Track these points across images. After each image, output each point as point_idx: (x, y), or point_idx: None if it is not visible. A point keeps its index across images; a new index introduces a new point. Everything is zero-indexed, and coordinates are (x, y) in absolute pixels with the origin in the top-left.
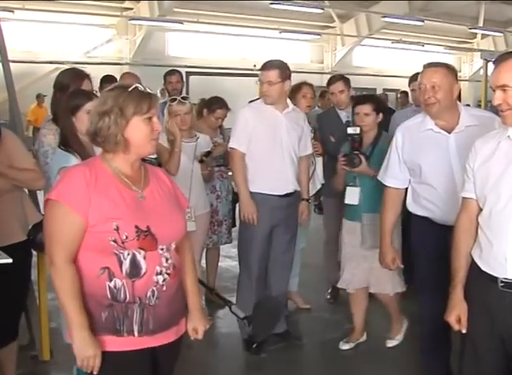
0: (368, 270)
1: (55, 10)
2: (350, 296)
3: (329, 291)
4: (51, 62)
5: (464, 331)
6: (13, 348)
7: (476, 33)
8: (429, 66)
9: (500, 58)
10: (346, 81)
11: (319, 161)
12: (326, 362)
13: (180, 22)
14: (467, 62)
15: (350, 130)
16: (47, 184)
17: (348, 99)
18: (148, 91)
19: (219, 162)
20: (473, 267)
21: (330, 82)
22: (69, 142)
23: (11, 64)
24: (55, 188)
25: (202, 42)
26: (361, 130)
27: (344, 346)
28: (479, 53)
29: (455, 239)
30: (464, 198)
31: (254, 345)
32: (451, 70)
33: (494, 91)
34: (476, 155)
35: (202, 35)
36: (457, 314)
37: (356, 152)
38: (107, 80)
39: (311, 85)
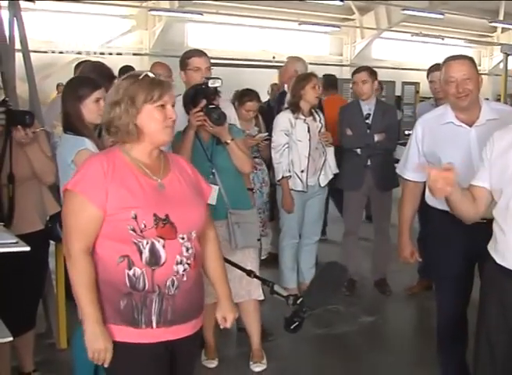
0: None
1: (75, 0)
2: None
3: (345, 283)
4: (71, 53)
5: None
6: (30, 336)
7: (496, 27)
8: (454, 58)
9: None
10: (372, 72)
11: (330, 150)
12: (341, 354)
13: (200, 13)
14: (486, 55)
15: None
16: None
17: (371, 91)
18: (160, 78)
19: (253, 154)
20: (489, 260)
21: (355, 71)
22: (77, 128)
23: (31, 54)
24: (73, 178)
25: (222, 33)
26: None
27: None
28: (499, 47)
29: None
30: (471, 185)
31: (294, 325)
32: (474, 62)
33: None
34: (493, 146)
35: (222, 26)
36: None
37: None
38: (126, 70)
39: (317, 76)
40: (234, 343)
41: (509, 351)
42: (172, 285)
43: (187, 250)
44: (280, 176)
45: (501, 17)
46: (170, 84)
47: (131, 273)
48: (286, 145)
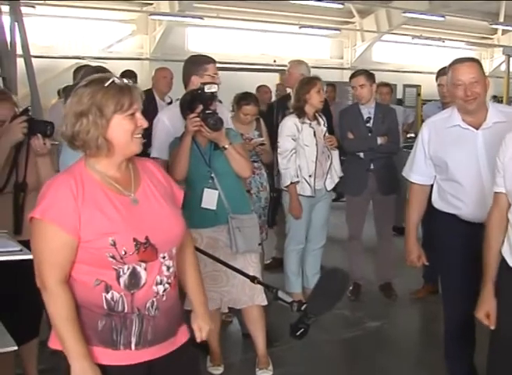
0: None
1: (75, 5)
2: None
3: (351, 288)
4: (71, 58)
5: (492, 327)
6: (34, 344)
7: (497, 29)
8: (461, 61)
9: None
10: (369, 76)
11: (335, 154)
12: (347, 360)
13: (200, 17)
14: (487, 57)
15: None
16: None
17: (370, 94)
18: (128, 83)
19: (252, 158)
20: (502, 263)
21: (352, 76)
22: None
23: (32, 59)
24: (40, 205)
25: (222, 37)
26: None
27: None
28: (500, 49)
29: (486, 234)
30: (495, 192)
31: (300, 331)
32: (481, 65)
33: None
34: (507, 149)
35: (222, 30)
36: (487, 310)
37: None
38: (127, 74)
39: (321, 80)
40: (239, 349)
41: None
42: (152, 306)
43: (168, 269)
44: (288, 182)
45: (501, 19)
46: (139, 90)
47: (109, 296)
48: (294, 150)
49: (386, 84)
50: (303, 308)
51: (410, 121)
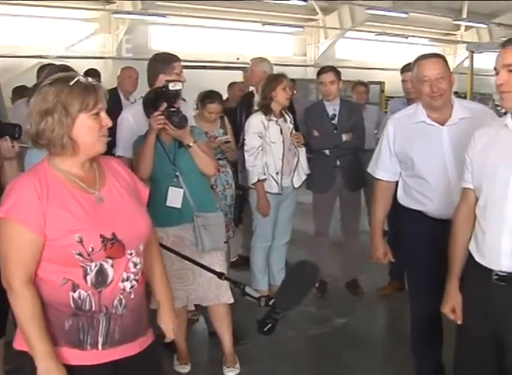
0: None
1: (38, 4)
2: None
3: (317, 285)
4: (34, 57)
5: (459, 322)
6: (1, 344)
7: (460, 25)
8: (427, 57)
9: (508, 41)
10: (337, 73)
11: (302, 151)
12: (314, 357)
13: (163, 15)
14: (450, 54)
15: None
16: None
17: (337, 91)
18: (93, 82)
19: (217, 156)
20: (469, 259)
21: (321, 72)
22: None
23: None
24: (5, 205)
25: (185, 35)
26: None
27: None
28: (463, 45)
29: (453, 230)
30: (463, 188)
31: (268, 327)
32: (446, 61)
33: (497, 73)
34: (475, 145)
35: (185, 28)
36: (452, 305)
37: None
38: (90, 73)
39: (287, 77)
40: (206, 347)
41: (491, 351)
42: (120, 304)
43: (135, 265)
44: (256, 180)
45: (464, 15)
46: (103, 89)
47: (76, 295)
48: (260, 148)
49: (363, 83)
50: (270, 303)
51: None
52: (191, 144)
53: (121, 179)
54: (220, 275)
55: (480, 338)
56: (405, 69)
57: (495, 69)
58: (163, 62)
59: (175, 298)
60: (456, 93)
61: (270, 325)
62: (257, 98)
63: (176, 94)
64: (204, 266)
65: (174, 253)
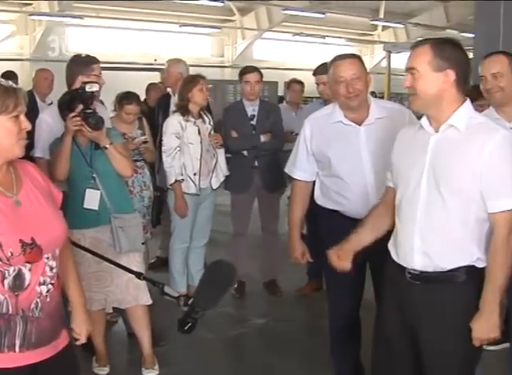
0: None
1: None
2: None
3: (235, 285)
4: None
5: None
6: None
7: (377, 25)
8: (343, 58)
9: (415, 44)
10: (261, 73)
11: (221, 152)
12: (233, 357)
13: (80, 17)
14: (367, 54)
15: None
16: None
17: (259, 92)
18: (13, 85)
19: (135, 158)
20: (388, 257)
21: (246, 72)
22: None
23: None
24: None
25: (103, 37)
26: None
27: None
28: (380, 45)
29: (362, 222)
30: (386, 186)
31: (188, 326)
32: (362, 61)
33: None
34: (396, 145)
35: (103, 30)
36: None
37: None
38: (7, 75)
39: (205, 78)
40: (125, 349)
41: (407, 350)
42: (36, 308)
43: (51, 269)
44: (173, 180)
45: (381, 15)
46: (23, 92)
47: None
48: (178, 148)
49: (299, 82)
50: (190, 302)
51: None
52: (107, 145)
53: (36, 183)
54: (139, 275)
55: (397, 337)
56: (318, 71)
57: (406, 70)
58: (82, 63)
59: (93, 300)
60: (373, 93)
61: (190, 324)
62: (174, 100)
63: (92, 95)
64: (122, 266)
65: (92, 254)
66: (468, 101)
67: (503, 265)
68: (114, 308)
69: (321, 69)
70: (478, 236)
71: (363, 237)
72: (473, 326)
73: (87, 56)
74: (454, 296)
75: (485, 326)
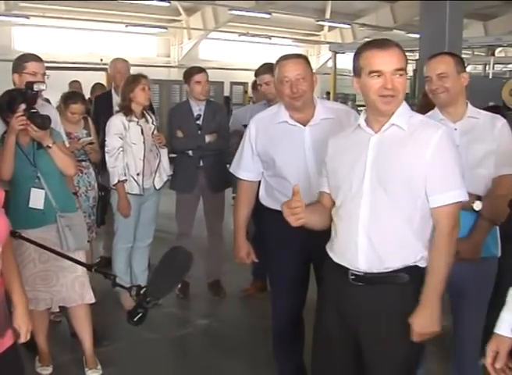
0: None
1: None
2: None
3: (179, 286)
4: None
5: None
6: None
7: (323, 26)
8: (288, 58)
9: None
10: (207, 74)
11: (164, 152)
12: (177, 358)
13: (26, 16)
14: (314, 54)
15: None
16: None
17: (209, 92)
18: None
19: (80, 157)
20: (327, 260)
21: (196, 72)
22: None
23: None
24: None
25: (49, 37)
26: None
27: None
28: (326, 45)
29: None
30: (319, 192)
31: (138, 316)
32: (308, 61)
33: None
34: (329, 150)
35: (49, 30)
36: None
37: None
38: None
39: (147, 77)
40: (69, 349)
41: (347, 351)
42: None
43: None
44: (116, 181)
45: (328, 16)
46: None
47: None
48: (121, 149)
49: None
50: (142, 292)
51: None
52: (51, 145)
53: None
54: (90, 267)
55: (338, 338)
56: (260, 71)
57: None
58: (16, 61)
59: (39, 300)
60: (328, 93)
61: (140, 314)
62: (117, 99)
63: (36, 95)
64: (75, 260)
65: (44, 248)
66: (405, 102)
67: (445, 258)
68: (59, 307)
69: (263, 70)
70: (424, 233)
71: (312, 214)
72: (413, 322)
73: (24, 54)
74: (396, 297)
75: (426, 321)
